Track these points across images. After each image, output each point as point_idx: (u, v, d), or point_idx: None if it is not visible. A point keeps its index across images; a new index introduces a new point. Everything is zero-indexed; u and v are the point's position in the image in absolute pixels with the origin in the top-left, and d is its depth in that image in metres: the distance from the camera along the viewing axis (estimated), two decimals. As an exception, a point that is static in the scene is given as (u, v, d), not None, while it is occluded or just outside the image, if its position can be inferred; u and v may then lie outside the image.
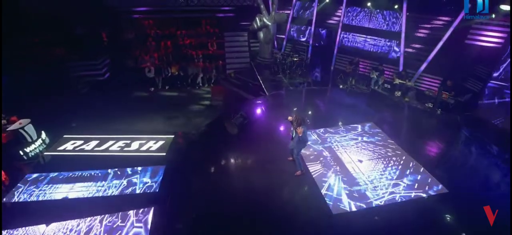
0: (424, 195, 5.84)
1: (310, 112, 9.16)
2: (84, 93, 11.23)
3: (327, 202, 5.60)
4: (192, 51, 13.42)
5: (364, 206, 5.53)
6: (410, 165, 6.71)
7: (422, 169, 6.54)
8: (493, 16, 8.46)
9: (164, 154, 7.45)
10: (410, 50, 10.75)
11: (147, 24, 13.92)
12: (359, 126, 8.23)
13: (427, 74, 10.40)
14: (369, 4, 11.27)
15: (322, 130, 8.09)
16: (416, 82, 10.59)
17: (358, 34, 12.26)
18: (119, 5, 12.95)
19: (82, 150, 7.55)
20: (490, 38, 8.93)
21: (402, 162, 6.83)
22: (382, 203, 5.59)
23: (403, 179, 6.26)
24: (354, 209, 5.46)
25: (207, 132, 8.42)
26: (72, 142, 7.86)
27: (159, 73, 12.52)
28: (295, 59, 12.39)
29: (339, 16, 12.37)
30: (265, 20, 12.88)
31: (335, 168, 6.59)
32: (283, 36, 15.06)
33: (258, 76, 12.10)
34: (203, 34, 14.25)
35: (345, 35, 12.71)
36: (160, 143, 7.95)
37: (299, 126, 5.68)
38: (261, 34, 13.43)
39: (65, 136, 8.04)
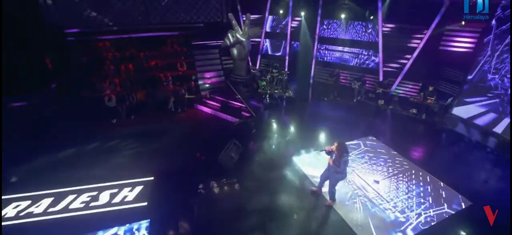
0: (452, 211, 5.46)
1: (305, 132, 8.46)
2: (25, 133, 8.97)
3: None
4: (159, 73, 11.95)
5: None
6: (421, 176, 6.39)
7: (442, 184, 6.25)
8: (463, 23, 8.95)
9: (146, 203, 5.98)
10: (388, 58, 10.98)
11: (102, 46, 12.06)
12: (361, 142, 7.80)
13: (406, 81, 10.68)
14: (343, 16, 11.34)
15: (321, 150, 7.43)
16: (396, 90, 10.77)
17: (335, 46, 12.27)
18: (64, 25, 10.96)
19: (31, 214, 5.65)
20: (462, 44, 9.49)
21: (413, 175, 6.48)
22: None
23: (426, 197, 5.86)
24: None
25: (195, 166, 7.13)
26: (14, 204, 5.89)
27: (122, 101, 10.73)
28: (275, 74, 11.80)
29: (315, 29, 12.28)
30: (238, 36, 12.14)
31: (354, 192, 5.93)
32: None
33: (239, 95, 11.19)
34: (170, 54, 12.89)
35: (322, 47, 12.62)
36: (138, 188, 6.42)
37: (341, 157, 5.07)
38: (235, 51, 12.64)
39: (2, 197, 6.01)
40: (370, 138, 8.05)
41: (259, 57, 14.01)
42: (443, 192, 5.95)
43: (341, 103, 10.73)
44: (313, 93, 11.45)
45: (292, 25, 13.22)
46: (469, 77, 9.16)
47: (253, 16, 12.69)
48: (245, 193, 5.94)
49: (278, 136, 8.18)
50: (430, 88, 9.72)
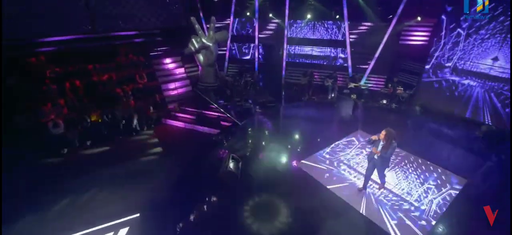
0: (456, 191, 5.78)
1: (297, 136, 8.11)
2: None
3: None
4: (116, 88, 10.26)
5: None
6: (416, 161, 6.71)
7: (438, 169, 6.62)
8: (419, 18, 9.91)
9: (140, 248, 4.82)
10: (355, 55, 11.53)
11: (35, 61, 9.77)
12: (354, 138, 7.85)
13: (373, 75, 11.36)
14: (309, 15, 11.52)
15: (322, 151, 7.24)
16: (366, 83, 11.37)
17: (303, 46, 12.40)
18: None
19: None
20: (418, 38, 10.52)
21: (414, 163, 6.75)
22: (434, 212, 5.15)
23: (429, 181, 6.10)
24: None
25: (184, 192, 6.12)
26: None
27: (73, 126, 8.82)
28: (249, 78, 11.30)
29: (283, 30, 12.19)
30: (204, 40, 11.23)
31: (369, 190, 5.82)
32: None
33: (215, 104, 10.33)
34: (125, 65, 11.22)
35: (291, 48, 12.61)
36: (123, 232, 5.18)
37: (390, 144, 5.09)
38: (201, 57, 11.68)
39: None
40: (360, 132, 8.21)
41: (226, 63, 13.29)
42: (442, 175, 6.31)
43: (317, 102, 10.81)
44: (288, 94, 11.29)
45: (269, 27, 13.02)
46: (427, 67, 10.18)
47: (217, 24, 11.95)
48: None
49: (271, 142, 7.66)
50: (395, 80, 10.53)
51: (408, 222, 4.99)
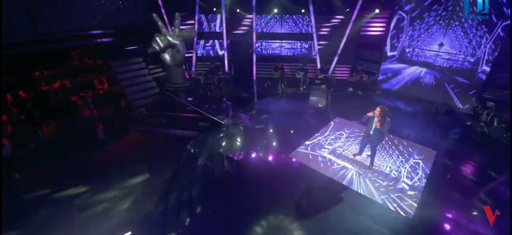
0: (430, 163, 6.52)
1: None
2: None
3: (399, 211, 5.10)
4: (72, 96, 9.01)
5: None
6: (391, 141, 7.39)
7: (411, 144, 7.37)
8: (377, 11, 10.80)
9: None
10: (322, 47, 12.07)
11: (-40, 71, 7.99)
12: (332, 123, 8.29)
13: (338, 65, 12.07)
14: (275, 10, 11.67)
15: (309, 140, 7.45)
16: (333, 74, 12.03)
17: (272, 40, 12.51)
18: None
19: None
20: (376, 29, 11.49)
21: (392, 143, 7.39)
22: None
23: (413, 156, 6.77)
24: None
25: (175, 200, 5.71)
26: None
27: (22, 145, 7.50)
28: (222, 76, 10.99)
29: (251, 25, 12.09)
30: (170, 38, 10.61)
31: (360, 172, 6.18)
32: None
33: (190, 105, 9.83)
34: (80, 70, 9.91)
35: (260, 43, 12.61)
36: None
37: (385, 119, 5.58)
38: (167, 56, 11.04)
39: None
40: (338, 118, 8.68)
41: (194, 61, 12.69)
42: (415, 149, 7.05)
43: (291, 94, 11.06)
44: (261, 89, 11.31)
45: (237, 23, 12.67)
46: (384, 54, 11.20)
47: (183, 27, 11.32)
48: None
49: (258, 138, 7.60)
50: (359, 68, 11.37)
51: (396, 196, 5.47)
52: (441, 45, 9.90)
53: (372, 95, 10.82)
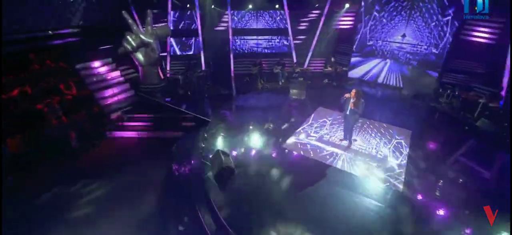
0: (408, 143, 7.18)
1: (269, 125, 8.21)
2: None
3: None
4: (37, 104, 8.11)
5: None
6: (372, 124, 7.98)
7: (386, 125, 8.00)
8: (347, 5, 11.44)
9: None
10: (297, 42, 12.44)
11: None
12: (315, 113, 8.66)
13: (314, 58, 12.56)
14: (250, 6, 11.74)
15: (298, 130, 7.69)
16: (308, 67, 12.49)
17: (249, 36, 12.55)
18: None
19: None
20: (347, 23, 12.17)
21: (373, 127, 7.94)
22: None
23: (394, 139, 7.36)
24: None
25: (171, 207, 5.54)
26: None
27: (-19, 162, 6.58)
28: (201, 74, 10.76)
29: (226, 22, 11.98)
30: (143, 37, 10.08)
31: (350, 155, 6.56)
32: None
33: (171, 105, 9.48)
34: (43, 74, 8.93)
35: (237, 39, 12.56)
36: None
37: (359, 100, 6.23)
38: (140, 56, 10.46)
39: None
40: (320, 108, 9.08)
41: (168, 60, 12.20)
42: (394, 131, 7.70)
43: (271, 89, 11.22)
44: (241, 85, 11.31)
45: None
46: (354, 47, 11.95)
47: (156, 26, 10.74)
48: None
49: (248, 133, 7.63)
50: (332, 60, 11.97)
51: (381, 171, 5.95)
52: (403, 36, 10.86)
53: (345, 85, 11.47)
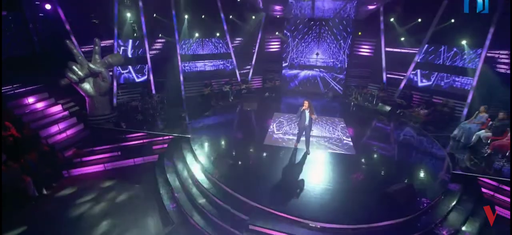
0: (342, 125, 9.95)
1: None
2: None
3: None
4: (-27, 151, 6.65)
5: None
6: (325, 120, 10.53)
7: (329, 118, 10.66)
8: (277, 33, 14.18)
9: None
10: (240, 63, 14.26)
11: None
12: (272, 118, 10.60)
13: (254, 76, 14.65)
14: (197, 34, 12.89)
15: (268, 132, 9.27)
16: (251, 83, 14.45)
17: (197, 61, 13.48)
18: None
19: None
20: (274, 46, 14.91)
21: (321, 120, 10.37)
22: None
23: (337, 124, 9.95)
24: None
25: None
26: None
27: None
28: (157, 98, 10.94)
29: (171, 49, 12.61)
30: (93, 67, 9.62)
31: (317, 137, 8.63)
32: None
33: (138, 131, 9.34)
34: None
35: (185, 64, 13.20)
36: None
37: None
38: (88, 86, 9.90)
39: None
40: (275, 113, 11.02)
41: (115, 88, 11.61)
42: (335, 120, 10.38)
43: (224, 105, 12.44)
44: (195, 106, 11.97)
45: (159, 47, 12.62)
46: (284, 64, 14.79)
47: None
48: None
49: (227, 144, 8.60)
50: (270, 77, 14.41)
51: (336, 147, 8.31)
52: (317, 54, 14.41)
53: (282, 95, 14.03)
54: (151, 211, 6.51)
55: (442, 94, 11.37)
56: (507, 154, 7.29)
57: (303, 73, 14.75)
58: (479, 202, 6.33)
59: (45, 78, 9.86)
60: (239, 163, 7.31)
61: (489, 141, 7.84)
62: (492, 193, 6.75)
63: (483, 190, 6.80)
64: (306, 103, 7.14)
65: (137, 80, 12.36)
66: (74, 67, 9.41)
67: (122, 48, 11.93)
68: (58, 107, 9.70)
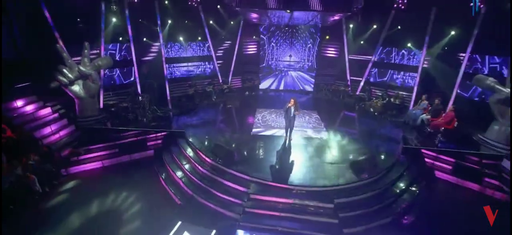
0: (316, 116, 11.56)
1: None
2: None
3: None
4: (-24, 152, 6.85)
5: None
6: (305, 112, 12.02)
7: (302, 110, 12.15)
8: (254, 37, 15.47)
9: None
10: (221, 65, 15.26)
11: None
12: (262, 115, 11.77)
13: (234, 77, 15.75)
14: (181, 38, 13.67)
15: (255, 124, 10.48)
16: (231, 84, 15.53)
17: (180, 63, 14.20)
18: None
19: None
20: (251, 49, 16.17)
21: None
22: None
23: (313, 115, 11.50)
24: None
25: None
26: None
27: None
28: (145, 98, 11.51)
29: (156, 52, 13.27)
30: (83, 69, 9.97)
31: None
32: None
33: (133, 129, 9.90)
34: (-39, 120, 7.38)
35: (170, 67, 13.84)
36: None
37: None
38: (77, 89, 10.20)
39: None
40: (258, 109, 12.27)
41: (101, 91, 11.87)
42: (309, 112, 11.91)
43: (209, 103, 13.38)
44: (180, 106, 12.73)
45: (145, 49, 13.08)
46: (261, 66, 16.14)
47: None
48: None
49: (220, 137, 9.55)
50: (249, 77, 15.66)
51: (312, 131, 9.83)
52: (290, 56, 16.01)
53: (262, 94, 15.37)
54: (155, 197, 7.31)
55: (394, 88, 13.64)
56: (442, 129, 9.46)
57: (277, 72, 16.24)
58: (423, 167, 8.29)
59: (33, 81, 9.97)
60: (233, 146, 8.47)
61: (429, 122, 9.96)
62: (432, 161, 8.74)
63: (426, 159, 8.77)
64: (292, 101, 8.28)
65: (124, 82, 12.78)
66: (64, 70, 9.71)
67: (109, 52, 12.27)
68: (47, 110, 9.85)
